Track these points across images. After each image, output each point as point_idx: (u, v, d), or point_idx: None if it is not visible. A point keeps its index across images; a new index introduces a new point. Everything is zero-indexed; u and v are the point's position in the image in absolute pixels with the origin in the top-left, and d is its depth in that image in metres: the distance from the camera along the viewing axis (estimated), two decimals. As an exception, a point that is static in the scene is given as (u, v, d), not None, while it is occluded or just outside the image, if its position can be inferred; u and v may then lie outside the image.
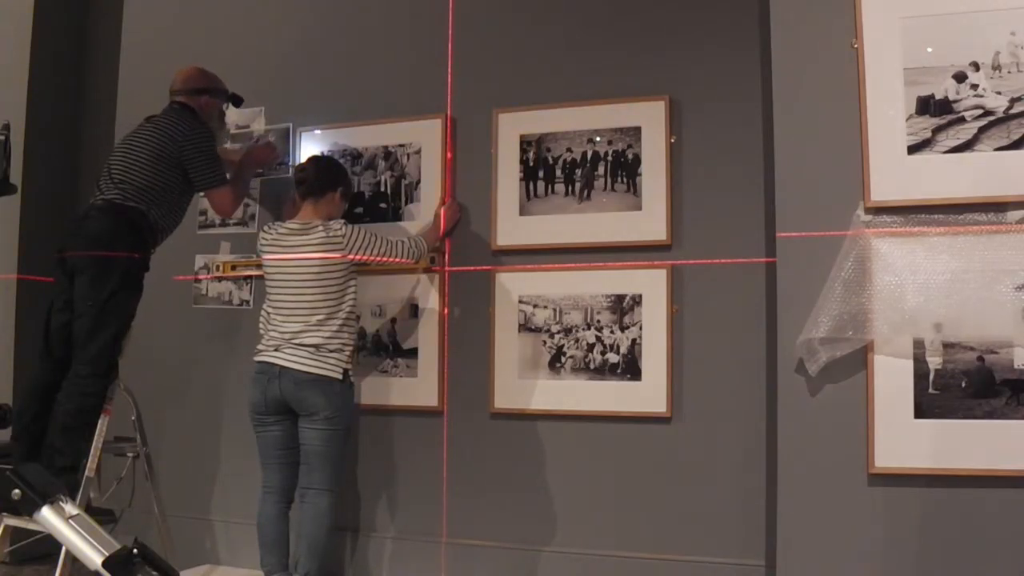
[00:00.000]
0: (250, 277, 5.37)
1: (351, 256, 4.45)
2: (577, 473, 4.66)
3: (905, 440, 3.68)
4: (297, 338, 4.39)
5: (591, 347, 4.64)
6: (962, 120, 3.70)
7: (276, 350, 4.42)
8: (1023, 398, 3.57)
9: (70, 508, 2.82)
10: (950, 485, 3.64)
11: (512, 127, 4.86)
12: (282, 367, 4.38)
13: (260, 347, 4.50)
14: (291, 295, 4.45)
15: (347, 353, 4.46)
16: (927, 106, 3.74)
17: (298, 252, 4.46)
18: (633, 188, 4.64)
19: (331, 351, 4.40)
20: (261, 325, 4.56)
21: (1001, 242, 3.60)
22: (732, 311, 4.48)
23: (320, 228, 4.45)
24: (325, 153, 5.16)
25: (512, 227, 4.82)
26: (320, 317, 4.41)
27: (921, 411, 3.68)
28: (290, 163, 5.29)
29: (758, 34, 4.46)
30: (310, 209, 4.58)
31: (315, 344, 4.38)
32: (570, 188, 4.73)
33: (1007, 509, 3.58)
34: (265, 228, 4.65)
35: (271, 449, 4.52)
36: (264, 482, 4.56)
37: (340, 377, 4.40)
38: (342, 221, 4.55)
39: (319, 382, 4.37)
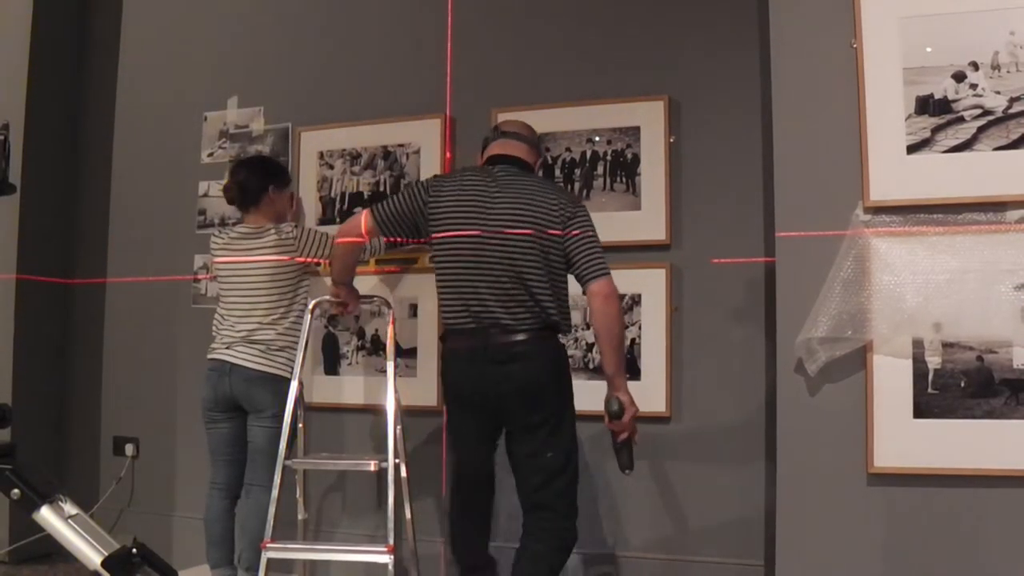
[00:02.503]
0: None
1: (302, 259, 4.50)
2: (576, 473, 4.66)
3: (904, 440, 3.68)
4: (251, 336, 4.44)
5: (590, 347, 4.64)
6: (961, 120, 3.70)
7: (228, 348, 4.45)
8: (1022, 398, 3.57)
9: (69, 508, 2.82)
10: (949, 485, 3.64)
11: (511, 127, 4.85)
12: (233, 364, 4.42)
13: (213, 345, 4.53)
14: (244, 297, 4.49)
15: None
16: (926, 106, 3.74)
17: (250, 255, 4.49)
18: (632, 188, 4.64)
19: (281, 349, 4.44)
20: (214, 326, 4.57)
21: (1000, 242, 3.60)
22: (731, 311, 4.48)
23: (272, 231, 4.49)
24: (264, 155, 5.26)
25: (511, 227, 4.81)
26: (274, 316, 4.46)
27: (920, 411, 3.68)
28: (288, 165, 5.29)
29: (757, 34, 4.46)
30: (256, 215, 4.60)
31: (267, 342, 4.42)
32: (569, 188, 4.72)
33: (1007, 509, 3.58)
34: (216, 232, 4.67)
35: (221, 446, 4.55)
36: (212, 478, 4.58)
37: (289, 376, 4.41)
38: (292, 224, 4.59)
39: (269, 380, 4.41)
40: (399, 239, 4.08)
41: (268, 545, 4.14)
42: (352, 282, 4.39)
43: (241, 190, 4.59)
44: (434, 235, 3.87)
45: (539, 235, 3.73)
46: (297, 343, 4.46)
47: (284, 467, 4.26)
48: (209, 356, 4.52)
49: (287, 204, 4.78)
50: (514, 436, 3.84)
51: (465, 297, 3.77)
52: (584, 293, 3.81)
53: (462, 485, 4.04)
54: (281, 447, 4.25)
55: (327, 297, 4.47)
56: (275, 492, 4.21)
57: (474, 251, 3.76)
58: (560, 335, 3.88)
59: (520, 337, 3.71)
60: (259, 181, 4.61)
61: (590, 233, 3.79)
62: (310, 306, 4.46)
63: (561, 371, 3.88)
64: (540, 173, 4.25)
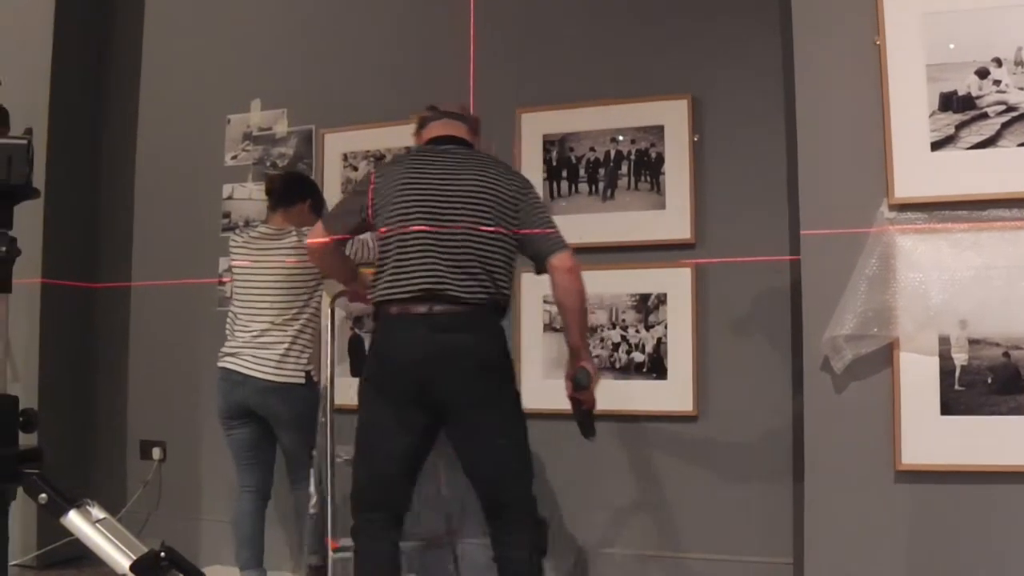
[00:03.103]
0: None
1: None
2: (604, 472, 4.66)
3: (931, 437, 3.66)
4: (261, 337, 4.43)
5: (616, 346, 4.64)
6: (985, 116, 3.68)
7: (237, 356, 4.45)
8: (1050, 394, 3.56)
9: (97, 512, 2.82)
10: (976, 481, 3.62)
11: (535, 127, 4.86)
12: (245, 375, 4.41)
13: (224, 350, 4.52)
14: (259, 297, 4.50)
15: (307, 356, 4.49)
16: (950, 102, 3.72)
17: (270, 256, 4.51)
18: (656, 187, 4.63)
19: (292, 356, 4.43)
20: (227, 325, 4.57)
21: (1026, 238, 3.58)
22: (757, 309, 4.47)
23: (293, 234, 4.50)
24: (298, 165, 5.29)
25: (535, 227, 4.81)
26: (286, 317, 4.45)
27: (947, 408, 3.66)
28: (312, 167, 5.31)
29: (780, 32, 4.45)
30: (281, 217, 4.61)
31: (277, 346, 4.42)
32: (593, 187, 4.72)
33: (1035, 506, 3.57)
34: (235, 232, 4.71)
35: (241, 451, 4.56)
36: (240, 481, 4.59)
37: (303, 382, 4.43)
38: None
39: (281, 390, 4.40)
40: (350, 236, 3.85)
41: (338, 546, 4.14)
42: (356, 279, 4.26)
43: (286, 186, 4.66)
44: (383, 215, 3.60)
45: (498, 212, 3.54)
46: (308, 346, 4.48)
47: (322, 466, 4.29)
48: (219, 364, 4.51)
49: (311, 224, 4.74)
50: (459, 425, 3.53)
51: (414, 268, 3.48)
52: (539, 271, 3.61)
53: (369, 499, 3.61)
54: (327, 449, 4.26)
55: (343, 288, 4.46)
56: (328, 495, 4.23)
57: (429, 227, 3.51)
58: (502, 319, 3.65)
59: (470, 309, 3.46)
60: (304, 191, 4.70)
61: (545, 212, 3.63)
62: (326, 301, 4.47)
63: (506, 353, 3.63)
64: None
